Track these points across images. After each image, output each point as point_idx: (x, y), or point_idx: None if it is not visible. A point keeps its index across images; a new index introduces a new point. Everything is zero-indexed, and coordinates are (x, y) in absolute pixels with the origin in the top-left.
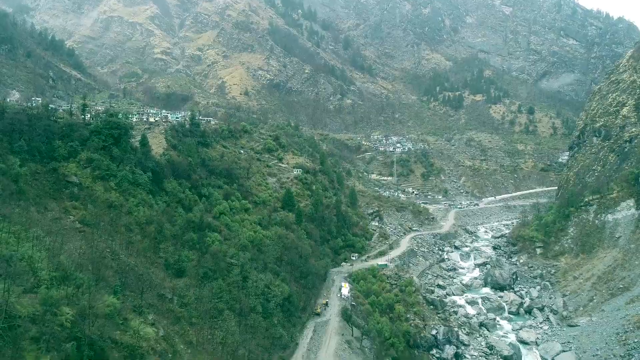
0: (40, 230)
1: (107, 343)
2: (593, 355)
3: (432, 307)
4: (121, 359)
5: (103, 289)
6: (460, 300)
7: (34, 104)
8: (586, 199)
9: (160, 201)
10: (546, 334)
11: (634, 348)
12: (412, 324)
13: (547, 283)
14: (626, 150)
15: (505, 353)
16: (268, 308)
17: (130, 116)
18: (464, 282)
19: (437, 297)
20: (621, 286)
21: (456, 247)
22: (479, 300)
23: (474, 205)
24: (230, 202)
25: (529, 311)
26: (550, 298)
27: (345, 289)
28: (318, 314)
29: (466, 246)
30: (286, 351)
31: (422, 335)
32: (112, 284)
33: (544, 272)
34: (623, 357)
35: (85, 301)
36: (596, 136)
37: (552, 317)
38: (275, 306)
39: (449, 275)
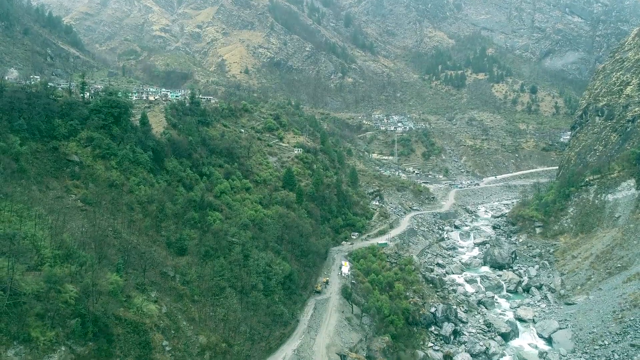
0: (43, 209)
1: (111, 319)
2: (589, 333)
3: (431, 285)
4: (125, 335)
5: (106, 267)
6: (459, 278)
7: (32, 82)
8: (587, 179)
9: (161, 180)
10: (543, 311)
11: (630, 326)
12: (412, 302)
13: (546, 262)
14: (628, 130)
15: (503, 330)
16: (269, 286)
17: (129, 94)
18: (463, 261)
19: (437, 275)
20: (619, 265)
21: (456, 227)
22: (478, 279)
23: (475, 185)
24: (231, 181)
25: (527, 289)
26: (548, 277)
27: (346, 268)
28: (318, 292)
29: (466, 225)
30: (287, 328)
31: (421, 312)
32: (114, 262)
33: (543, 251)
34: (619, 334)
35: (88, 279)
36: (599, 115)
37: (549, 296)
38: (276, 284)
39: (449, 254)
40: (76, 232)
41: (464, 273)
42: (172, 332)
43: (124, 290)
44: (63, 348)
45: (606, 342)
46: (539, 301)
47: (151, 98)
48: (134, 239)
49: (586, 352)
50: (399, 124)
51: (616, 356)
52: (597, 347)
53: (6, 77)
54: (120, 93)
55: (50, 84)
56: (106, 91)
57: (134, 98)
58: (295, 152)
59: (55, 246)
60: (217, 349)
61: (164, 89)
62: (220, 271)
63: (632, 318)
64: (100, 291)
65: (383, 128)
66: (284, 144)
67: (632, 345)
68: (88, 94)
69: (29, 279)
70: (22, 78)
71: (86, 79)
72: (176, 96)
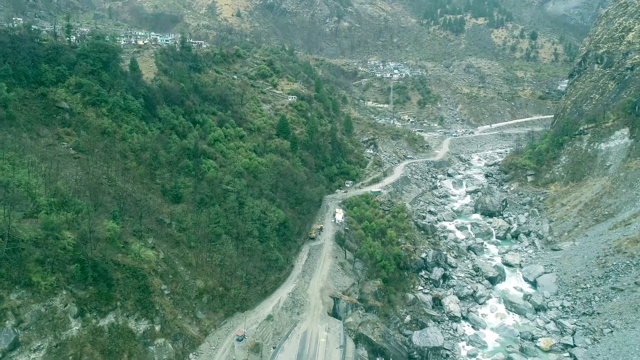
0: (35, 157)
1: (109, 265)
2: (573, 277)
3: (422, 232)
4: (124, 280)
5: (102, 214)
6: (450, 225)
7: (15, 25)
8: (581, 128)
9: (154, 128)
10: (530, 257)
11: (612, 270)
12: (403, 248)
13: (535, 210)
14: (626, 78)
15: (490, 274)
16: (264, 232)
17: (117, 39)
18: (455, 208)
19: (428, 222)
20: (606, 213)
21: (449, 175)
22: (469, 226)
23: (469, 134)
24: (224, 129)
25: (515, 236)
26: (537, 224)
27: (339, 215)
28: (313, 238)
29: (459, 174)
30: (282, 272)
31: (412, 258)
32: (110, 209)
33: (533, 199)
34: (601, 278)
35: (85, 226)
36: (598, 63)
37: (537, 242)
38: (271, 231)
39: (441, 202)
40: (70, 179)
41: (455, 220)
42: (170, 276)
43: (121, 237)
44: (64, 292)
45: (588, 286)
46: (526, 247)
47: (140, 42)
48: (129, 187)
49: (568, 295)
50: (395, 71)
51: (597, 298)
52: (579, 290)
53: None
54: (107, 37)
55: (33, 26)
56: (93, 35)
57: (122, 42)
58: (290, 99)
59: (50, 194)
60: (215, 293)
61: (153, 33)
62: (216, 218)
63: (614, 263)
64: (98, 238)
65: (379, 75)
66: (277, 91)
67: (613, 289)
68: (74, 38)
69: (26, 226)
70: (3, 20)
71: (71, 22)
72: (166, 41)
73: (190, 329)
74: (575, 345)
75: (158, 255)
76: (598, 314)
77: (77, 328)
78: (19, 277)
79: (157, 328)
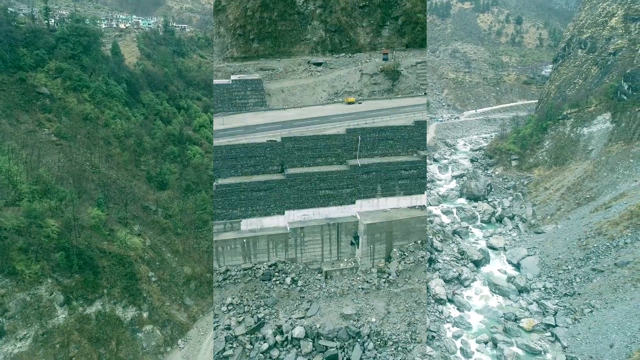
0: (15, 144)
1: (95, 252)
2: (555, 259)
3: None
4: (111, 267)
5: (86, 202)
6: (436, 210)
7: None
8: (564, 112)
9: (137, 113)
10: (514, 240)
11: (593, 252)
12: None
13: (519, 194)
14: (609, 63)
15: (475, 258)
16: None
17: (98, 22)
18: (440, 193)
19: None
20: (588, 196)
21: (435, 160)
22: (454, 210)
23: (455, 119)
24: (210, 115)
25: (500, 220)
26: (520, 208)
27: None
28: None
29: (445, 159)
30: None
31: None
32: (94, 196)
33: (517, 183)
34: (582, 260)
35: (69, 213)
36: (581, 48)
37: (520, 225)
38: None
39: (427, 187)
40: (52, 166)
41: (441, 205)
42: (157, 263)
43: (107, 224)
44: (49, 280)
45: (570, 267)
46: (510, 230)
47: (122, 26)
48: (113, 174)
49: (551, 277)
50: None
51: (578, 279)
52: (561, 271)
53: None
54: (88, 20)
55: (10, 9)
56: (73, 18)
57: (103, 26)
58: None
59: (32, 181)
60: (202, 279)
61: (134, 16)
62: (203, 205)
63: (595, 245)
64: (83, 225)
65: None
66: None
67: (593, 270)
68: (53, 21)
69: (8, 214)
70: None
71: (49, 4)
72: (148, 24)
73: (179, 316)
74: (556, 325)
75: (144, 243)
76: (579, 294)
77: (64, 316)
78: (2, 266)
79: (145, 315)
